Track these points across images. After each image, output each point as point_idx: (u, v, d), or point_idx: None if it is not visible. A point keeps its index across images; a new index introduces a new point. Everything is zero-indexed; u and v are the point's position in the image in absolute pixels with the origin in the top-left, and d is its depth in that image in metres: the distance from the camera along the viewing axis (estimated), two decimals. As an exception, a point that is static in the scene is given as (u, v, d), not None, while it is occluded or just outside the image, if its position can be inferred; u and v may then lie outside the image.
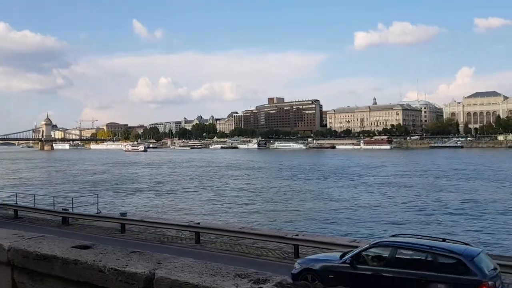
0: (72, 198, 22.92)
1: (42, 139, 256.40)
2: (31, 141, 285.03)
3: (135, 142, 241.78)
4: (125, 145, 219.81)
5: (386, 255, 9.28)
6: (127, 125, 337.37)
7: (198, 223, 15.89)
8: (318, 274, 9.62)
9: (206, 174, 68.95)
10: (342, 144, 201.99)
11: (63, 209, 20.63)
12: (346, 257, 9.61)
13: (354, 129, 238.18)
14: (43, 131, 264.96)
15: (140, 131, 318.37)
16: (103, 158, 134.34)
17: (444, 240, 10.03)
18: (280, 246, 14.43)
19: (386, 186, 46.39)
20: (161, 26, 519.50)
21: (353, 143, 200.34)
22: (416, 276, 8.64)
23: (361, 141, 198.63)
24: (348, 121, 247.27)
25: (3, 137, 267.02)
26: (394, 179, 55.01)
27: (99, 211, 23.20)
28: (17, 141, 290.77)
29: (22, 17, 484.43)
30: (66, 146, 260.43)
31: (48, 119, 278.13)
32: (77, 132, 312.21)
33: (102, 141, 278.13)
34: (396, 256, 9.15)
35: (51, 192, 43.10)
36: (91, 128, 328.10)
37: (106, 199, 37.38)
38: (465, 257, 8.70)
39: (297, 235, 12.98)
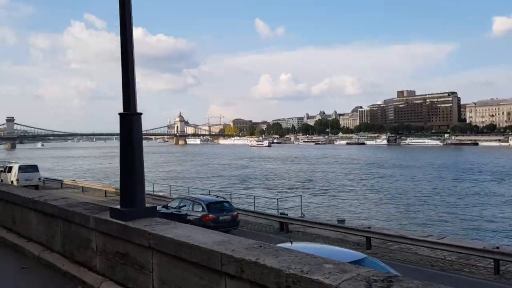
0: (277, 199, 20.38)
1: (177, 134, 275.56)
2: (166, 136, 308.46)
3: (260, 138, 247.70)
4: (251, 141, 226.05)
5: (178, 203, 18.23)
6: (251, 121, 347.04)
7: (497, 247, 11.58)
8: None
9: (352, 172, 64.43)
10: (486, 140, 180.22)
11: (280, 214, 18.04)
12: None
13: (499, 124, 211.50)
14: (177, 127, 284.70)
15: (264, 127, 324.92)
16: (236, 152, 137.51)
17: (217, 196, 20.08)
18: None
19: None
20: (283, 24, 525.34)
21: (499, 140, 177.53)
22: (185, 212, 17.09)
23: (510, 138, 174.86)
24: (492, 115, 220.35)
25: (144, 132, 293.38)
26: None
27: (302, 215, 20.33)
28: (154, 136, 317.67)
29: (157, 22, 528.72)
30: (198, 141, 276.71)
31: (181, 116, 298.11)
32: (206, 128, 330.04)
33: (230, 136, 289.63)
34: (181, 203, 17.99)
35: (205, 187, 42.71)
36: (219, 124, 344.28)
37: (264, 199, 35.05)
38: (203, 202, 17.22)
39: None
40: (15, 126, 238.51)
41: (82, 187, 35.56)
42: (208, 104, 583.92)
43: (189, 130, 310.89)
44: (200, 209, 16.64)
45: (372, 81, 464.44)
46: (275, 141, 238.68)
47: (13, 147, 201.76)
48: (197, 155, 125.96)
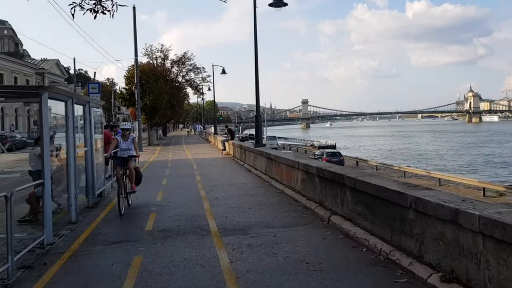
0: None
1: (470, 111, 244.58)
2: (454, 114, 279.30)
3: None
4: None
5: (319, 152, 43.57)
6: None
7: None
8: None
9: None
10: None
11: None
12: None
13: None
14: (470, 102, 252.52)
15: None
16: None
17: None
18: None
19: None
20: None
21: None
22: (318, 157, 38.34)
23: None
24: None
25: (430, 110, 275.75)
26: None
27: None
28: (440, 114, 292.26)
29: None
30: (495, 118, 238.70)
31: (472, 90, 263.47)
32: (505, 103, 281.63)
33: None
34: (319, 152, 42.80)
35: None
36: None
37: None
38: (325, 151, 43.03)
39: None
40: (308, 108, 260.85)
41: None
42: (504, 75, 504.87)
43: (482, 106, 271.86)
44: (323, 155, 37.86)
45: None
46: None
47: (307, 126, 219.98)
48: (509, 135, 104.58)
